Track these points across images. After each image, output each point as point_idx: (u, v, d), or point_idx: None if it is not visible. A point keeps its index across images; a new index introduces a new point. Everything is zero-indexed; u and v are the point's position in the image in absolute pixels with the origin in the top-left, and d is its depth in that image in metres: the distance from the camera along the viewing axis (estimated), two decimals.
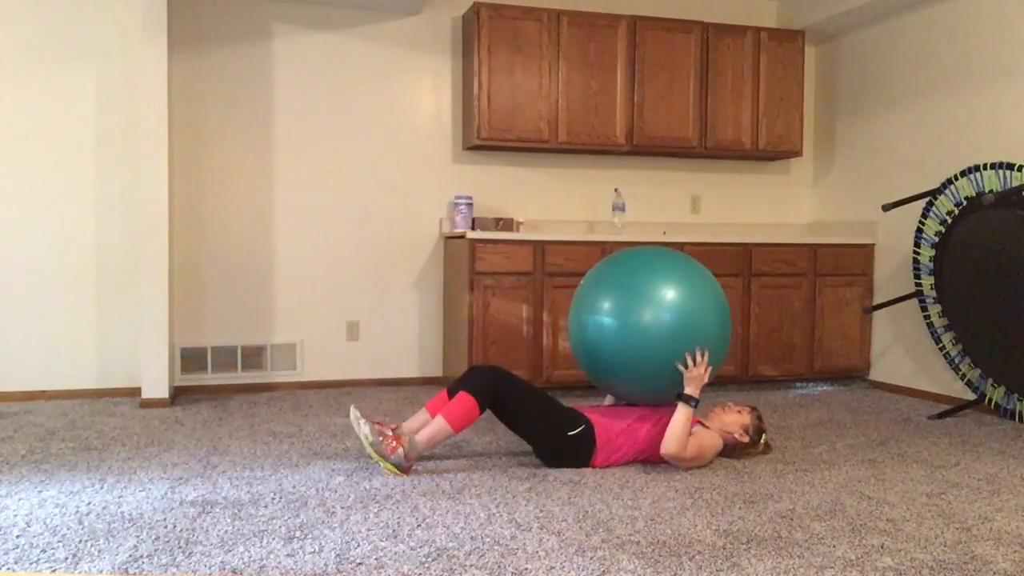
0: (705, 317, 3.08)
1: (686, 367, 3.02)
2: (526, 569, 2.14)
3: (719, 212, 5.56)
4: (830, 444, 3.62)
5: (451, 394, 3.10)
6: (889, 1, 4.75)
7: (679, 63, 5.05)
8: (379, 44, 4.93)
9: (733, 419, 3.26)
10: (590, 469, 3.11)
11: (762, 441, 3.31)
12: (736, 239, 4.87)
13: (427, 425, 3.04)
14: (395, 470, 2.96)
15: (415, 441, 2.99)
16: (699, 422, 3.25)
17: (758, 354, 4.92)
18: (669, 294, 3.06)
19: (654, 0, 5.33)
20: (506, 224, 4.88)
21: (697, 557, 2.24)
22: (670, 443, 3.02)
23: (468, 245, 4.45)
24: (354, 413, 2.99)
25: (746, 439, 3.24)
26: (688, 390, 3.04)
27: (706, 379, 3.07)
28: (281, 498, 2.71)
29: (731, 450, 3.26)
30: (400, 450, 2.95)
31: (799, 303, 5.00)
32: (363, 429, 2.96)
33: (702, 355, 3.03)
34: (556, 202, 5.23)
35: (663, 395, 3.13)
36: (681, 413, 3.03)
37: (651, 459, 3.16)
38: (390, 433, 3.00)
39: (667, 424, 3.08)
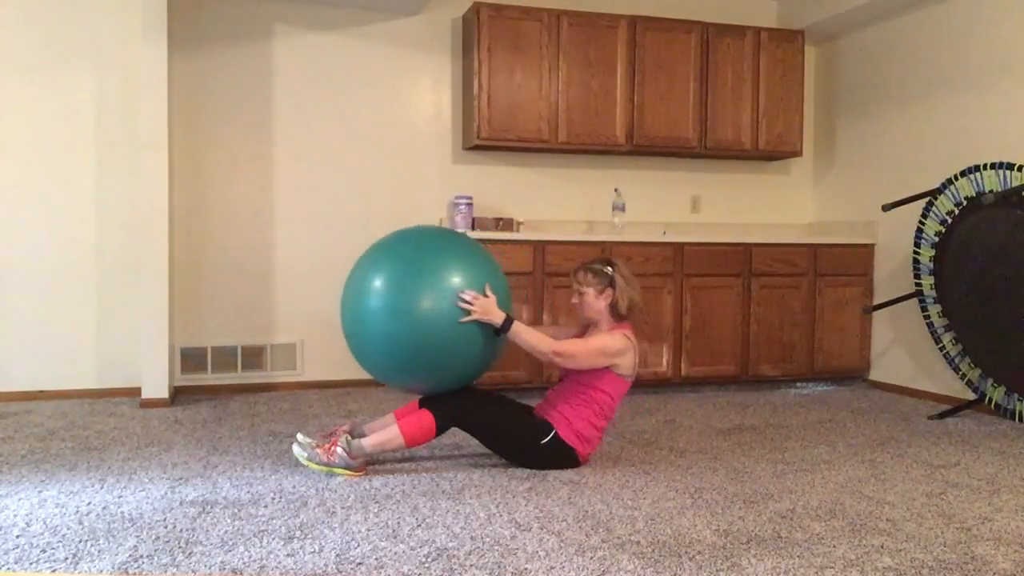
0: (451, 271, 2.91)
1: (469, 313, 2.87)
2: (526, 569, 2.14)
3: (719, 212, 5.56)
4: (830, 444, 3.62)
5: (420, 406, 3.10)
6: (889, 1, 4.75)
7: (679, 63, 5.05)
8: (379, 44, 4.93)
9: (597, 309, 3.12)
10: (590, 469, 3.11)
11: (616, 287, 3.10)
12: (736, 239, 4.87)
13: (382, 430, 3.02)
14: (347, 472, 2.94)
15: (356, 443, 2.97)
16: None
17: (758, 354, 4.92)
18: (437, 276, 2.90)
19: (654, 0, 5.33)
20: (506, 224, 4.88)
21: (697, 557, 2.24)
22: (545, 354, 2.97)
23: None
24: (296, 448, 2.99)
25: (609, 299, 3.09)
26: (494, 321, 2.90)
27: (491, 295, 2.92)
28: (281, 498, 2.71)
29: (622, 311, 3.11)
30: (337, 449, 2.94)
31: (799, 303, 5.00)
32: (296, 452, 2.98)
33: (468, 293, 2.87)
34: (556, 202, 5.23)
35: (486, 347, 2.97)
36: (518, 337, 2.95)
37: (599, 393, 3.07)
38: (324, 442, 3.00)
39: (576, 365, 3.02)
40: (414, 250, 3.00)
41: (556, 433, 3.04)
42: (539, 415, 3.13)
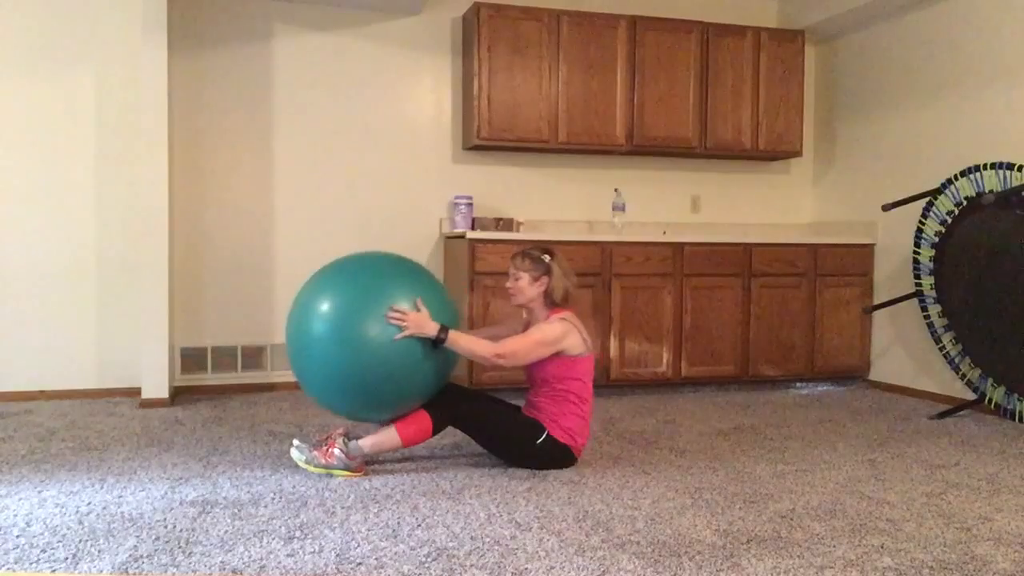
0: (388, 292, 2.89)
1: (401, 329, 2.83)
2: (526, 569, 2.14)
3: (719, 212, 5.55)
4: (830, 444, 3.62)
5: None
6: (889, 1, 4.75)
7: (679, 63, 5.05)
8: (379, 44, 4.93)
9: (530, 296, 3.10)
10: (590, 469, 3.11)
11: (552, 275, 3.09)
12: (736, 239, 4.87)
13: (380, 431, 3.02)
14: (346, 473, 2.95)
15: (353, 443, 2.97)
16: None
17: (758, 354, 4.92)
18: (379, 299, 2.87)
19: (654, 0, 5.33)
20: (506, 224, 4.88)
21: (697, 557, 2.24)
22: (487, 358, 2.97)
23: (468, 245, 4.45)
24: (294, 452, 3.01)
25: (543, 287, 3.08)
26: (428, 333, 2.86)
27: (423, 308, 2.88)
28: (281, 498, 2.71)
29: (556, 299, 3.09)
30: (335, 451, 2.95)
31: (799, 303, 5.00)
32: (294, 455, 3.00)
33: (397, 309, 2.83)
34: (556, 202, 5.23)
35: (429, 364, 2.94)
36: (456, 345, 2.92)
37: (571, 382, 3.06)
38: (321, 445, 3.00)
39: (520, 361, 3.02)
40: (345, 278, 2.96)
41: (548, 433, 3.05)
42: (529, 416, 3.13)
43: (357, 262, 3.07)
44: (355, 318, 2.85)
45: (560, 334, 3.03)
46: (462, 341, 2.95)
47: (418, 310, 2.88)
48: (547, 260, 3.10)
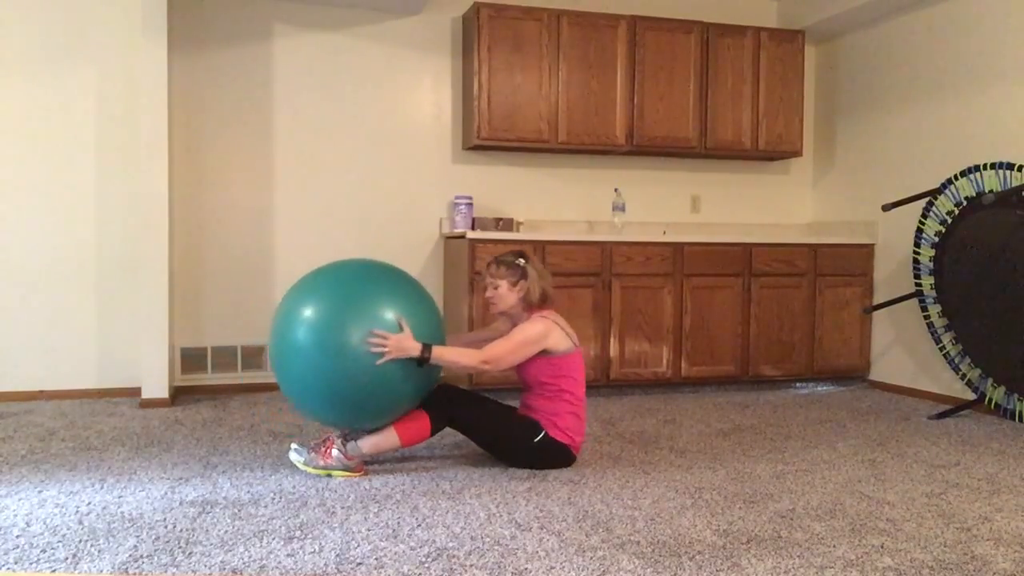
0: (372, 308, 2.86)
1: (382, 354, 2.80)
2: (526, 569, 2.14)
3: (719, 212, 5.56)
4: (830, 444, 3.62)
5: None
6: (889, 1, 4.75)
7: (679, 63, 5.05)
8: (379, 44, 4.93)
9: (510, 303, 3.11)
10: (590, 469, 3.11)
11: (528, 279, 3.10)
12: (736, 239, 4.87)
13: (378, 432, 3.02)
14: (345, 473, 2.96)
15: (352, 444, 2.98)
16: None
17: (758, 354, 4.92)
18: (362, 310, 2.85)
19: (654, 0, 5.33)
20: (506, 224, 4.88)
21: (697, 557, 2.24)
22: (473, 368, 2.98)
23: (468, 245, 4.45)
24: (292, 454, 3.02)
25: (522, 292, 3.09)
26: (411, 354, 2.83)
27: (405, 328, 2.84)
28: (281, 498, 2.71)
29: (534, 301, 3.09)
30: (333, 451, 2.95)
31: (799, 303, 5.00)
32: (293, 457, 3.01)
33: (377, 334, 2.79)
34: (556, 202, 5.23)
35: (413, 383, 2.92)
36: (441, 361, 2.91)
37: (563, 380, 3.07)
38: (320, 444, 3.00)
39: (507, 364, 3.02)
40: (328, 288, 2.92)
41: (546, 432, 3.05)
42: (526, 416, 3.13)
43: (341, 271, 3.02)
44: (337, 332, 2.80)
45: (542, 332, 3.03)
46: (447, 355, 2.93)
47: (400, 330, 2.84)
48: (522, 263, 3.11)
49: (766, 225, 5.64)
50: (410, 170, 4.99)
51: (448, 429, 3.09)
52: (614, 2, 5.24)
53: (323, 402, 2.87)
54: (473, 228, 4.79)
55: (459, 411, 3.07)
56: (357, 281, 2.97)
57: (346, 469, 2.95)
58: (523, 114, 4.80)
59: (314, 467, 2.97)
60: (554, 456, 3.08)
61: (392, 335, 2.81)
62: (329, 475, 2.96)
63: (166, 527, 2.42)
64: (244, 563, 2.17)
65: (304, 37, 4.81)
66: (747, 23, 5.44)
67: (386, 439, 2.98)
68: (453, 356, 2.96)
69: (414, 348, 2.84)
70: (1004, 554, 2.32)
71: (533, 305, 3.12)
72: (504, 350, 3.01)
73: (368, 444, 2.98)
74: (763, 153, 5.26)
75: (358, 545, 2.30)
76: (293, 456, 3.02)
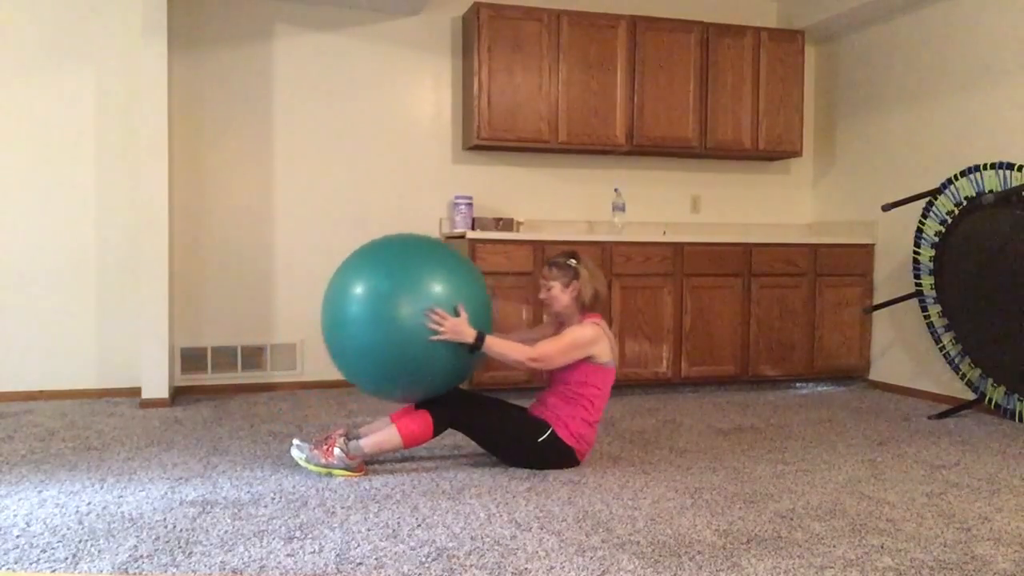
0: (425, 285, 2.91)
1: (438, 332, 2.85)
2: (526, 569, 2.14)
3: (719, 212, 5.56)
4: (830, 444, 3.62)
5: (417, 407, 3.10)
6: (889, 1, 4.75)
7: (679, 63, 5.05)
8: (379, 44, 4.93)
9: (564, 303, 3.12)
10: (590, 469, 3.11)
11: (580, 279, 3.11)
12: (736, 239, 4.87)
13: (380, 431, 3.03)
14: (346, 473, 2.96)
15: (354, 443, 2.98)
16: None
17: (758, 354, 4.92)
18: (421, 283, 2.91)
19: (654, 0, 5.34)
20: (506, 224, 4.88)
21: (697, 557, 2.24)
22: (521, 362, 3.00)
23: (468, 245, 4.45)
24: (294, 450, 3.03)
25: (574, 292, 3.10)
26: (464, 340, 2.88)
27: (462, 313, 2.89)
28: (281, 498, 2.72)
29: (586, 301, 3.11)
30: (335, 450, 2.95)
31: (799, 303, 5.00)
32: (295, 454, 3.01)
33: (438, 312, 2.85)
34: (556, 202, 5.23)
35: (458, 361, 2.96)
36: (491, 351, 2.95)
37: (588, 388, 3.08)
38: (323, 443, 3.01)
39: (553, 364, 3.04)
40: (396, 257, 2.99)
41: (553, 431, 3.05)
42: (535, 415, 3.13)
43: (407, 244, 3.08)
44: (394, 300, 2.85)
45: (592, 337, 3.05)
46: (497, 347, 2.97)
47: (457, 315, 2.89)
48: (573, 264, 3.14)
49: (766, 225, 5.64)
50: (410, 170, 4.99)
51: (448, 429, 3.09)
52: (614, 2, 5.24)
53: (363, 358, 2.88)
54: (473, 228, 4.79)
55: (461, 411, 3.06)
56: (427, 260, 3.00)
57: (347, 469, 2.95)
58: (523, 114, 4.81)
59: (315, 465, 2.97)
60: (558, 457, 3.08)
61: (450, 317, 2.86)
62: (330, 474, 2.96)
63: (166, 527, 2.42)
64: (244, 563, 2.17)
65: (304, 37, 4.81)
66: (747, 23, 5.44)
67: (388, 439, 2.98)
68: (504, 348, 2.99)
69: (469, 334, 2.89)
70: (1004, 554, 2.32)
71: (586, 305, 3.13)
72: (555, 350, 3.03)
73: (370, 444, 2.98)
74: (763, 153, 5.26)
75: (358, 545, 2.30)
76: (294, 452, 3.02)
